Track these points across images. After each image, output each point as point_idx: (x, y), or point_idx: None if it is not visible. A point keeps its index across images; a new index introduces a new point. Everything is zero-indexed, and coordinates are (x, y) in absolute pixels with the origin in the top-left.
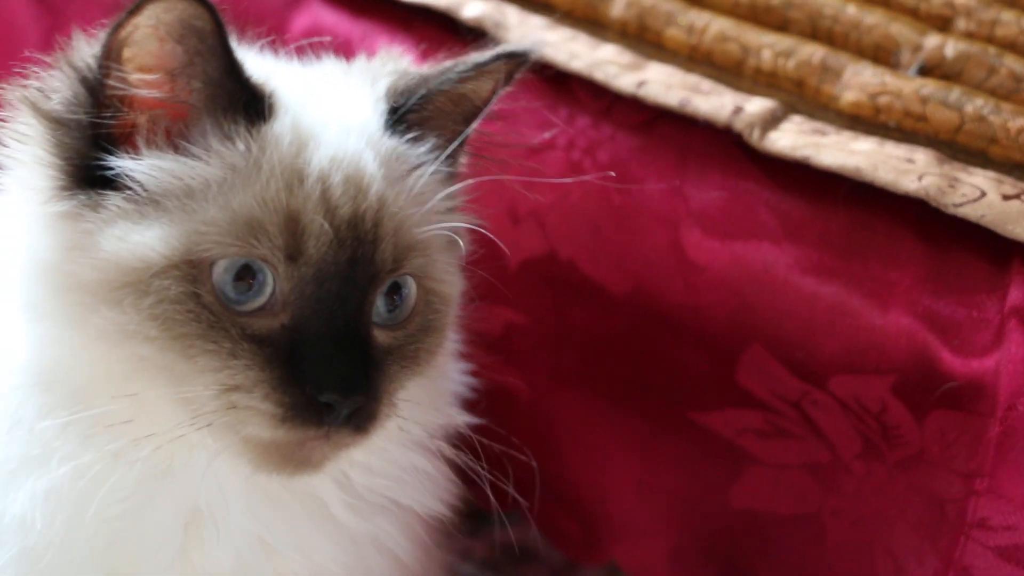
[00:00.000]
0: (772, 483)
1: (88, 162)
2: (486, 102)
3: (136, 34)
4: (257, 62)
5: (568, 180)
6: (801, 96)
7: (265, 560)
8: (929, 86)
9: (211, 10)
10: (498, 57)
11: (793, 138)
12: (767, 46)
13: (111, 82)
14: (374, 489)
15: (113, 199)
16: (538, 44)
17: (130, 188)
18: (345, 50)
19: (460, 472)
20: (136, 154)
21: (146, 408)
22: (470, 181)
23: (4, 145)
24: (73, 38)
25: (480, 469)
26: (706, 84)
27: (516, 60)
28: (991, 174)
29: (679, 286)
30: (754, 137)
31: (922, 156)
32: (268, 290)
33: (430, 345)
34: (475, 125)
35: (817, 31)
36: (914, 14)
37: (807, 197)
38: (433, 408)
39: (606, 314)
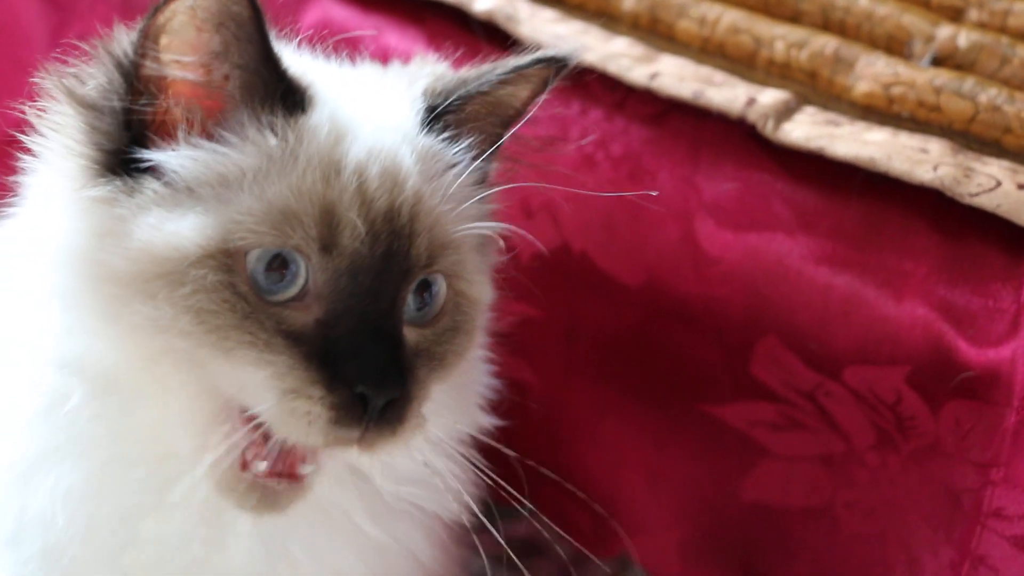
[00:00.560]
0: (785, 475)
1: (123, 149)
2: (524, 107)
3: (174, 20)
4: (294, 56)
5: (610, 194)
6: (814, 87)
7: (284, 567)
8: (942, 76)
9: None
10: (538, 61)
11: (807, 129)
12: (779, 37)
13: (147, 69)
14: (399, 495)
15: (149, 185)
16: (578, 50)
17: (166, 176)
18: (356, 45)
19: (473, 467)
20: (172, 143)
21: (174, 405)
22: (506, 186)
23: (40, 134)
24: (114, 30)
25: (491, 467)
26: (719, 76)
27: (556, 65)
28: (1005, 163)
29: (692, 278)
30: (768, 128)
31: (936, 146)
32: (300, 281)
33: (458, 347)
34: (513, 131)
35: (829, 22)
36: (926, 5)
37: (821, 188)
38: (460, 413)
39: (619, 307)
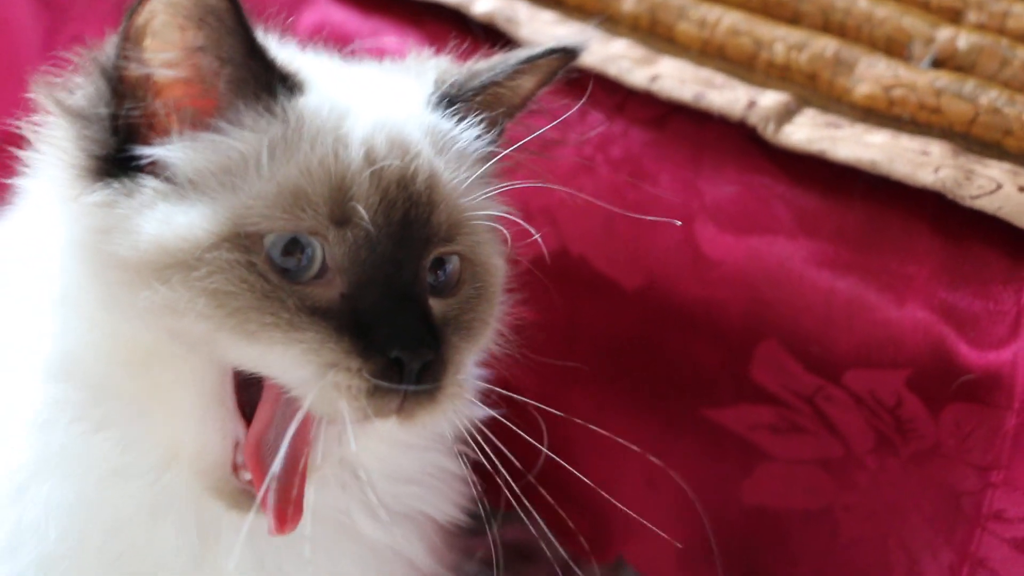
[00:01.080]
0: (784, 479)
1: (118, 152)
2: (530, 97)
3: (155, 20)
4: (289, 51)
5: (647, 217)
6: (814, 89)
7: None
8: (943, 78)
9: None
10: (550, 52)
11: (808, 131)
12: (779, 39)
13: (132, 71)
14: (398, 497)
15: (148, 184)
16: (586, 41)
17: (166, 172)
18: (354, 47)
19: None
20: (167, 140)
21: (169, 411)
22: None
23: (34, 145)
24: (106, 37)
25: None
26: (719, 78)
27: (566, 56)
28: (1006, 166)
29: (693, 281)
30: (769, 131)
31: (937, 148)
32: (318, 262)
33: (482, 314)
34: (515, 118)
35: (829, 24)
36: (925, 7)
37: (822, 191)
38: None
39: (618, 310)
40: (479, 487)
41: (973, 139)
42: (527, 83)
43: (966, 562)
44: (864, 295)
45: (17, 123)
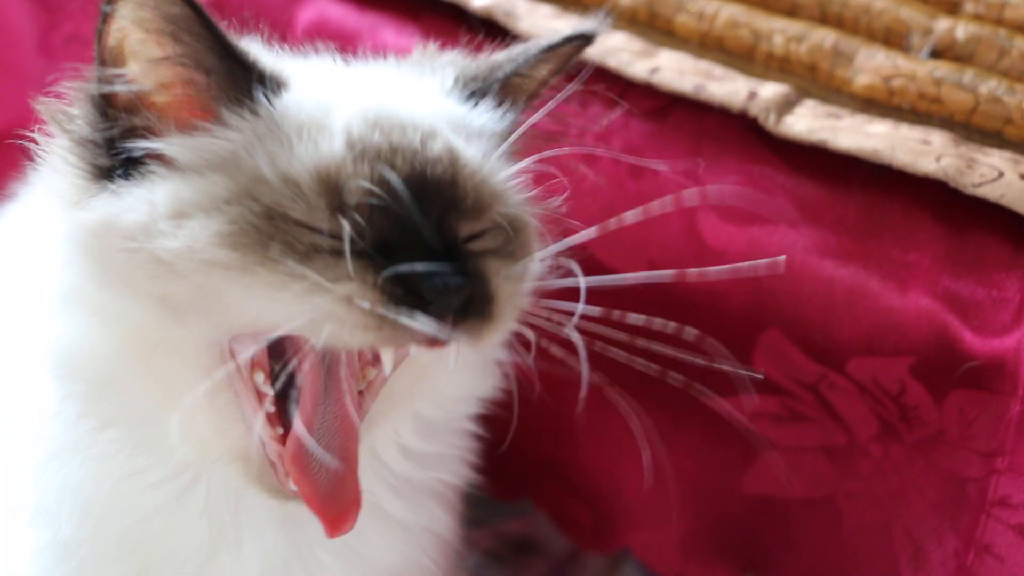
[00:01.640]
0: (787, 467)
1: (114, 160)
2: (543, 84)
3: (126, 40)
4: (267, 50)
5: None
6: (814, 80)
7: (299, 566)
8: (943, 68)
9: None
10: (569, 39)
11: (809, 122)
12: (778, 31)
13: (116, 91)
14: (416, 470)
15: (150, 169)
16: (600, 26)
17: (164, 163)
18: (352, 44)
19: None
20: (163, 139)
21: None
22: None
23: (33, 155)
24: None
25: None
26: (718, 70)
27: (584, 42)
28: (1007, 154)
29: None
30: (770, 122)
31: (938, 137)
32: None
33: (524, 240)
34: (530, 105)
35: (827, 15)
36: None
37: (823, 181)
38: (480, 373)
39: (620, 300)
40: (479, 477)
41: (973, 128)
42: (543, 71)
43: (971, 548)
44: (867, 283)
45: (19, 132)
